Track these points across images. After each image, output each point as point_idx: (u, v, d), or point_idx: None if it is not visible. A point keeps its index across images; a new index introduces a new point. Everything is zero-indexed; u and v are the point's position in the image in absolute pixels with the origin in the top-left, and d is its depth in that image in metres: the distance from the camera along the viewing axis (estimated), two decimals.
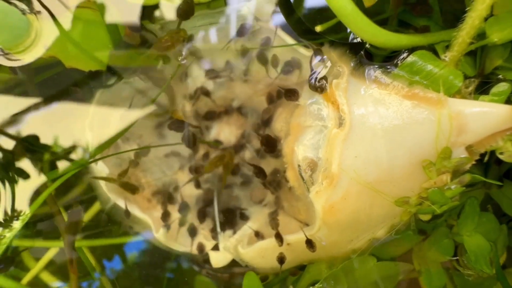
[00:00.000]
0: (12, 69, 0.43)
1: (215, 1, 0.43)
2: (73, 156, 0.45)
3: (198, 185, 0.47)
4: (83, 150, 0.44)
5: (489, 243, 0.40)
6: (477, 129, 0.35)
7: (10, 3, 0.41)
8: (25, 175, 0.44)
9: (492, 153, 0.37)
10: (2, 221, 0.43)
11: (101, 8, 0.42)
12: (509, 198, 0.42)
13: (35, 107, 0.44)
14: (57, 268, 0.46)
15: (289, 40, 0.42)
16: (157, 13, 0.44)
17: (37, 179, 0.44)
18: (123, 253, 0.46)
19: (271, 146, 0.41)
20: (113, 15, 0.42)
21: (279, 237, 0.40)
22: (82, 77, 0.44)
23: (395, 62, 0.38)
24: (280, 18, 0.43)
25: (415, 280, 0.45)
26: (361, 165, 0.36)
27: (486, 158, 0.36)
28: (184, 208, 0.46)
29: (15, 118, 0.44)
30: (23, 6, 0.42)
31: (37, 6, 0.42)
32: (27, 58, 0.41)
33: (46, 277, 0.46)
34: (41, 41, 0.40)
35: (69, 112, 0.45)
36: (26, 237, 0.45)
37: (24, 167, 0.45)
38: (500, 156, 0.36)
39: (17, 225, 0.42)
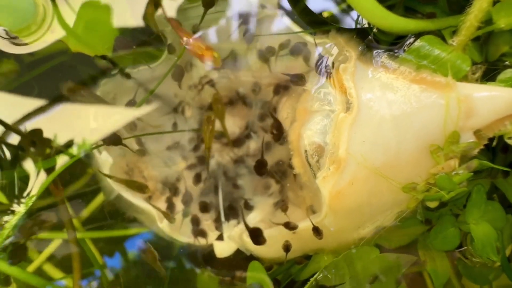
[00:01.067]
0: (17, 57, 0.43)
1: None
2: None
3: (200, 177, 0.47)
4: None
5: (495, 231, 0.40)
6: (486, 113, 0.35)
7: None
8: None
9: (499, 141, 0.37)
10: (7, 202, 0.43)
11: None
12: None
13: (40, 110, 0.44)
14: (60, 261, 0.45)
15: (295, 28, 0.42)
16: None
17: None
18: (124, 248, 0.46)
19: (280, 131, 0.41)
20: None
21: (288, 225, 0.40)
22: (85, 67, 0.44)
23: (402, 47, 0.38)
24: (286, 6, 0.43)
25: (419, 273, 0.45)
26: (368, 149, 0.35)
27: (494, 143, 0.36)
28: (187, 199, 0.46)
29: (21, 121, 0.44)
30: None
31: None
32: (35, 44, 0.41)
33: (49, 269, 0.45)
34: (48, 24, 0.40)
35: (72, 106, 0.45)
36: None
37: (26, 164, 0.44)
38: (509, 141, 0.36)
39: (20, 210, 0.42)
